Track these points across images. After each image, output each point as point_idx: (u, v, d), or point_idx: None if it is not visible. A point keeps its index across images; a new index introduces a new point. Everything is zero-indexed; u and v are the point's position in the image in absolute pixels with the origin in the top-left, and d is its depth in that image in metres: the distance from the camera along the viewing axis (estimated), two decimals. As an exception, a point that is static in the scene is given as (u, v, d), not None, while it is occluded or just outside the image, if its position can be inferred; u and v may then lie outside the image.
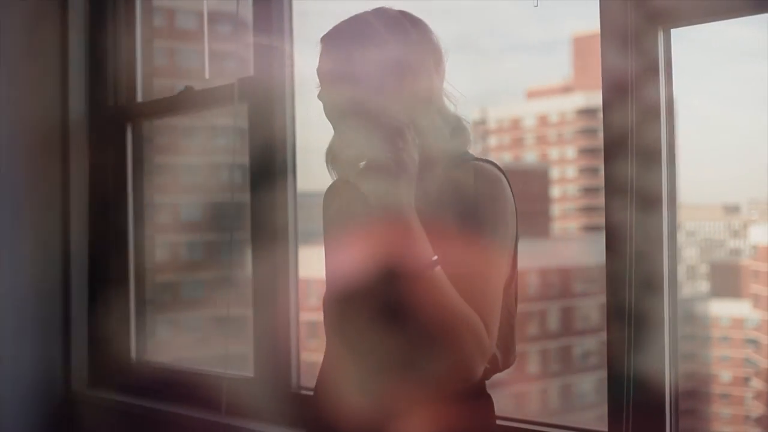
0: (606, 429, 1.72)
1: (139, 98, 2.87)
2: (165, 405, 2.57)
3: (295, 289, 2.35)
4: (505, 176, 1.47)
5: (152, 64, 2.96)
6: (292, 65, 2.37)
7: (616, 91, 1.68)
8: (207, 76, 2.60)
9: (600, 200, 1.72)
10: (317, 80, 1.50)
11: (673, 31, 1.66)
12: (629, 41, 1.65)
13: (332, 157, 1.50)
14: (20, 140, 2.82)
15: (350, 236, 1.48)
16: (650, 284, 1.64)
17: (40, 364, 2.83)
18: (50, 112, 2.88)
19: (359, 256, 1.43)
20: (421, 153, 1.39)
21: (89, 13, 2.91)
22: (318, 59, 1.49)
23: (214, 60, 2.65)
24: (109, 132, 2.88)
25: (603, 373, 1.74)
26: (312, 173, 2.46)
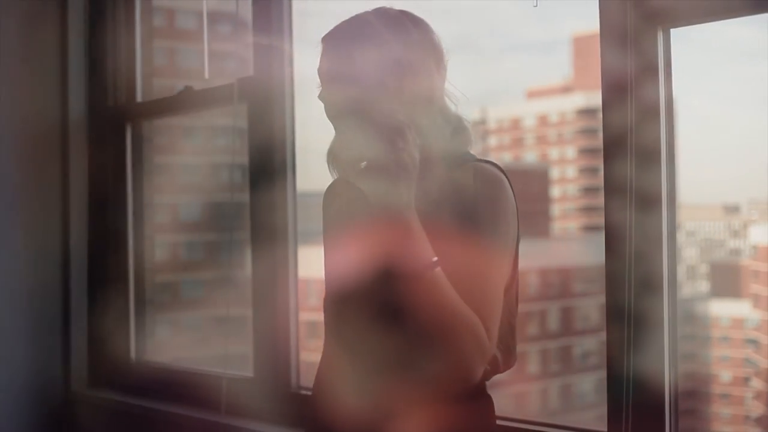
0: (605, 429, 1.72)
1: (139, 98, 2.86)
2: (164, 405, 2.57)
3: (294, 288, 2.35)
4: (507, 177, 1.47)
5: (152, 64, 2.96)
6: (291, 65, 2.37)
7: (615, 91, 1.67)
8: (206, 76, 2.60)
9: (600, 200, 1.72)
10: (318, 80, 1.49)
11: (672, 31, 1.66)
12: (628, 41, 1.65)
13: (333, 158, 1.50)
14: (20, 140, 2.82)
15: (350, 236, 1.48)
16: (650, 284, 1.64)
17: (40, 364, 2.82)
18: (50, 112, 2.88)
19: (358, 256, 1.43)
20: (422, 153, 1.39)
21: (89, 13, 2.91)
22: (319, 59, 1.49)
23: (214, 60, 2.65)
24: (108, 132, 2.88)
25: (603, 373, 1.74)
26: (311, 173, 2.47)
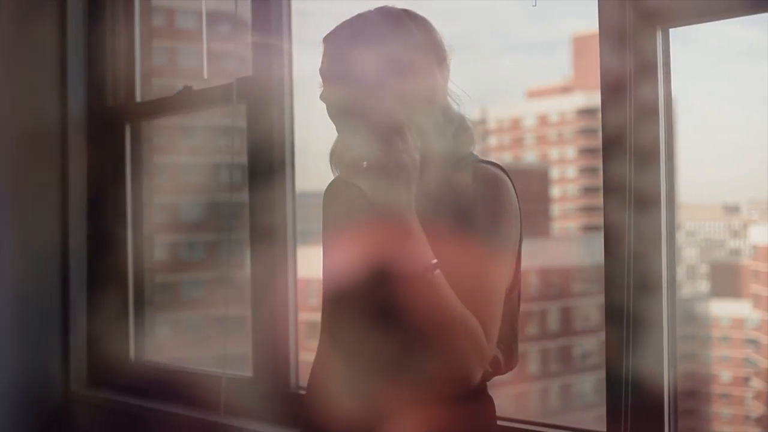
0: (604, 430, 1.71)
1: (138, 98, 2.86)
2: (164, 405, 2.57)
3: (293, 288, 2.35)
4: (510, 178, 1.46)
5: (151, 63, 2.96)
6: (290, 65, 2.36)
7: (614, 91, 1.67)
8: (205, 75, 2.60)
9: (600, 200, 1.72)
10: (320, 80, 1.49)
11: (671, 30, 1.66)
12: (627, 41, 1.65)
13: (335, 158, 1.50)
14: (18, 140, 2.82)
15: (349, 236, 1.48)
16: (649, 284, 1.64)
17: (39, 364, 2.82)
18: (49, 112, 2.88)
19: (356, 256, 1.42)
20: (423, 153, 1.38)
21: (88, 13, 2.90)
22: (320, 59, 1.48)
23: (213, 60, 2.65)
24: (107, 132, 2.88)
25: (603, 374, 1.73)
26: (310, 173, 2.46)
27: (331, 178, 1.57)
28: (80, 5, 2.90)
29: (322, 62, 1.48)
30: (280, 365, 2.34)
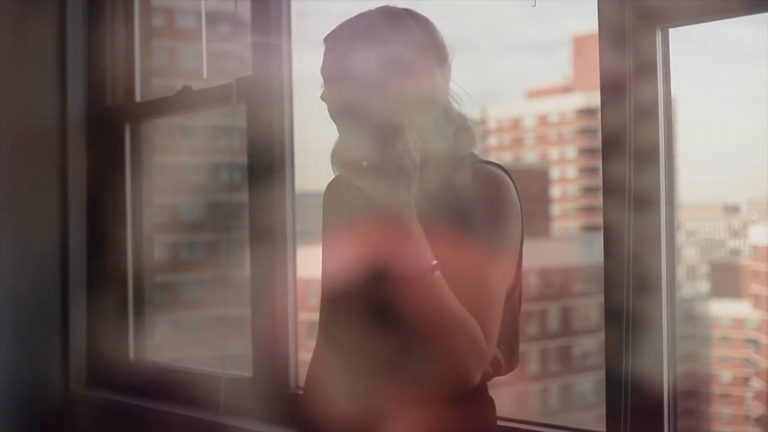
0: (604, 430, 1.71)
1: (138, 98, 2.86)
2: (163, 405, 2.57)
3: (293, 288, 2.35)
4: (511, 179, 1.45)
5: (150, 63, 2.96)
6: (290, 65, 2.36)
7: (614, 91, 1.67)
8: (205, 75, 2.60)
9: (600, 200, 1.72)
10: (321, 80, 1.48)
11: (671, 30, 1.66)
12: (627, 41, 1.64)
13: (336, 158, 1.50)
14: (18, 140, 2.82)
15: (349, 236, 1.47)
16: (648, 285, 1.64)
17: (38, 364, 2.82)
18: (48, 112, 2.88)
19: (355, 256, 1.42)
20: (424, 154, 1.37)
21: (87, 13, 2.91)
22: (321, 59, 1.48)
23: (213, 60, 2.65)
24: (107, 132, 2.88)
25: (603, 374, 1.73)
26: (310, 173, 2.46)
27: (331, 178, 1.56)
28: (80, 5, 2.90)
29: (323, 62, 1.47)
30: (280, 365, 2.34)
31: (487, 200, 1.41)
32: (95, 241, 2.88)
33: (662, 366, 1.64)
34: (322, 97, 1.47)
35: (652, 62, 1.63)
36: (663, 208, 1.64)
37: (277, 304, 2.34)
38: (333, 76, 1.45)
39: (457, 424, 1.40)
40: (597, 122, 1.71)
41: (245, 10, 2.44)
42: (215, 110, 2.70)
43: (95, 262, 2.88)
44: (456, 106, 1.48)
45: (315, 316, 1.56)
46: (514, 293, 1.47)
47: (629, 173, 1.64)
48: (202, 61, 2.60)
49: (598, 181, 1.70)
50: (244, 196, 2.43)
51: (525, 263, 1.50)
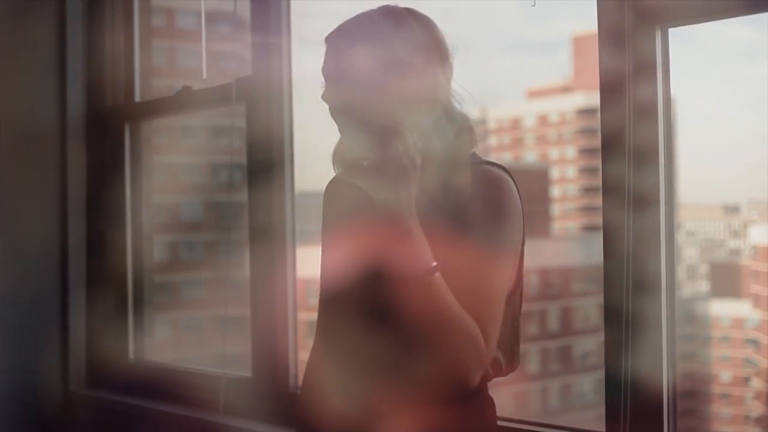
0: (603, 430, 1.71)
1: (137, 98, 2.86)
2: (163, 405, 2.57)
3: (293, 288, 2.34)
4: (513, 180, 1.45)
5: (150, 63, 2.96)
6: (289, 65, 2.36)
7: (613, 91, 1.67)
8: (205, 75, 2.60)
9: (600, 200, 1.72)
10: (322, 80, 1.47)
11: (671, 30, 1.65)
12: (626, 41, 1.64)
13: (338, 158, 1.49)
14: (17, 140, 2.82)
15: (348, 235, 1.47)
16: (647, 285, 1.64)
17: (38, 364, 2.82)
18: (48, 112, 2.88)
19: (355, 256, 1.42)
20: (425, 154, 1.37)
21: (87, 13, 2.90)
22: (323, 59, 1.47)
23: (212, 60, 2.65)
24: (106, 132, 2.88)
25: (602, 374, 1.73)
26: (309, 173, 2.46)
27: (332, 177, 1.56)
28: (79, 5, 2.90)
29: (324, 62, 1.47)
30: (279, 365, 2.34)
31: (488, 201, 1.40)
32: (95, 240, 2.88)
33: (662, 366, 1.64)
34: (323, 97, 1.46)
35: (652, 62, 1.63)
36: (662, 208, 1.64)
37: (276, 304, 2.34)
38: (334, 75, 1.45)
39: (457, 424, 1.40)
40: (597, 122, 1.71)
41: (245, 10, 2.44)
42: (215, 110, 2.70)
43: (95, 261, 2.88)
44: (457, 106, 1.47)
45: (315, 316, 1.56)
46: (515, 294, 1.46)
47: (629, 173, 1.64)
48: (201, 61, 2.60)
49: (598, 181, 1.70)
50: (243, 196, 2.43)
51: (525, 263, 1.50)
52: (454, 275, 1.33)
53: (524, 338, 1.52)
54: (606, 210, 1.69)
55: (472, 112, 1.49)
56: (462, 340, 1.33)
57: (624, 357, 1.64)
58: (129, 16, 2.87)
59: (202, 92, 2.61)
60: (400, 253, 1.32)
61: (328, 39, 1.47)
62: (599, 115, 1.72)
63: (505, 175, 1.44)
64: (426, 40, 1.44)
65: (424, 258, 1.32)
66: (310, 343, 1.56)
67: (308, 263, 2.11)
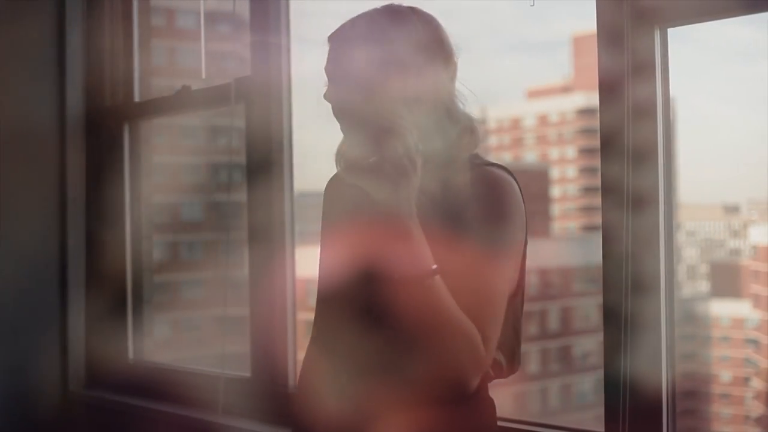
0: (602, 431, 1.71)
1: (136, 98, 2.86)
2: (162, 405, 2.57)
3: (292, 288, 2.34)
4: (516, 182, 1.44)
5: (149, 63, 2.96)
6: (289, 65, 2.36)
7: (612, 91, 1.67)
8: (204, 75, 2.59)
9: (600, 200, 1.72)
10: (324, 79, 1.46)
11: (670, 30, 1.65)
12: (625, 40, 1.64)
13: (341, 157, 1.49)
14: (16, 140, 2.81)
15: (348, 235, 1.46)
16: (646, 285, 1.64)
17: (37, 364, 2.82)
18: (47, 112, 2.87)
19: (354, 256, 1.41)
20: (427, 155, 1.35)
21: (86, 12, 2.90)
22: (325, 58, 1.46)
23: (212, 60, 2.64)
24: (106, 131, 2.88)
25: (602, 374, 1.73)
26: (309, 173, 2.46)
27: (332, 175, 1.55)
28: (79, 4, 2.89)
29: (327, 61, 1.46)
30: (279, 365, 2.34)
31: (490, 202, 1.39)
32: (94, 240, 2.88)
33: (661, 366, 1.64)
34: (326, 96, 1.45)
35: (651, 62, 1.63)
36: (661, 208, 1.63)
37: (275, 304, 2.33)
38: (336, 75, 1.44)
39: (457, 425, 1.39)
40: (597, 122, 1.71)
41: (244, 10, 2.44)
42: (214, 110, 2.69)
43: (94, 261, 2.88)
44: (461, 106, 1.46)
45: (313, 316, 1.56)
46: (517, 296, 1.46)
47: (628, 173, 1.64)
48: (200, 61, 2.60)
49: (598, 181, 1.69)
50: (242, 196, 2.43)
51: (526, 263, 1.50)
52: (455, 276, 1.32)
53: (524, 338, 1.51)
54: (605, 210, 1.69)
55: (474, 112, 1.48)
56: (460, 344, 1.32)
57: (623, 357, 1.64)
58: (128, 15, 2.86)
59: (201, 92, 2.61)
60: (400, 255, 1.31)
61: (331, 38, 1.46)
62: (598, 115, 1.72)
63: (508, 177, 1.43)
64: (429, 39, 1.43)
65: (424, 260, 1.31)
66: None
67: (307, 263, 2.11)
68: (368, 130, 1.34)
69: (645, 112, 1.63)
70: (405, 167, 1.30)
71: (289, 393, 2.31)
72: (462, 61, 1.48)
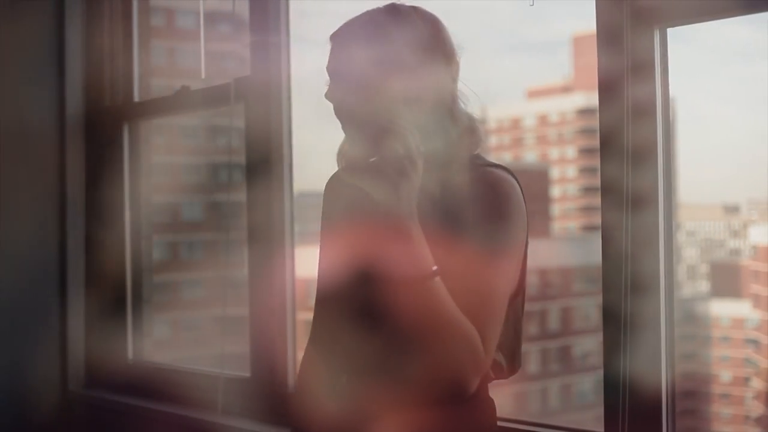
0: (602, 431, 1.71)
1: (136, 98, 2.86)
2: (161, 405, 2.57)
3: (291, 288, 2.34)
4: (518, 182, 1.43)
5: (149, 63, 2.96)
6: (288, 65, 2.36)
7: (611, 91, 1.67)
8: (203, 75, 2.59)
9: (600, 200, 1.72)
10: (326, 78, 1.46)
11: (670, 30, 1.65)
12: (625, 40, 1.64)
13: (343, 157, 1.48)
14: (16, 140, 2.81)
15: (347, 234, 1.46)
16: (646, 285, 1.63)
17: (37, 364, 2.82)
18: (47, 112, 2.87)
19: (353, 257, 1.41)
20: (428, 155, 1.35)
21: (85, 12, 2.90)
22: (327, 57, 1.46)
23: (211, 60, 2.64)
24: (105, 131, 2.87)
25: (602, 374, 1.73)
26: (308, 173, 2.46)
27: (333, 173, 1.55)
28: (78, 4, 2.89)
29: (329, 60, 1.45)
30: (278, 365, 2.33)
31: (491, 203, 1.38)
32: (93, 240, 2.88)
33: (660, 366, 1.64)
34: (327, 96, 1.44)
35: (650, 62, 1.63)
36: (661, 208, 1.63)
37: (275, 304, 2.33)
38: (338, 74, 1.43)
39: (457, 425, 1.39)
40: (597, 122, 1.71)
41: (244, 10, 2.44)
42: (213, 110, 2.69)
43: (93, 261, 2.88)
44: (462, 106, 1.45)
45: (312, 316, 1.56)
46: (518, 298, 1.45)
47: (627, 173, 1.63)
48: (200, 61, 2.59)
49: (598, 181, 1.69)
50: (242, 196, 2.42)
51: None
52: (455, 277, 1.32)
53: (524, 338, 1.51)
54: (604, 210, 1.68)
55: (476, 112, 1.48)
56: (459, 346, 1.31)
57: (623, 357, 1.63)
58: (128, 15, 2.86)
59: (200, 92, 2.60)
60: (400, 256, 1.30)
61: (333, 37, 1.46)
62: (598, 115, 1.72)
63: (510, 178, 1.42)
64: (431, 39, 1.42)
65: (424, 262, 1.30)
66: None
67: (307, 263, 2.11)
68: (369, 129, 1.33)
69: (644, 111, 1.63)
70: (405, 167, 1.30)
71: (288, 393, 2.31)
72: (462, 61, 1.48)
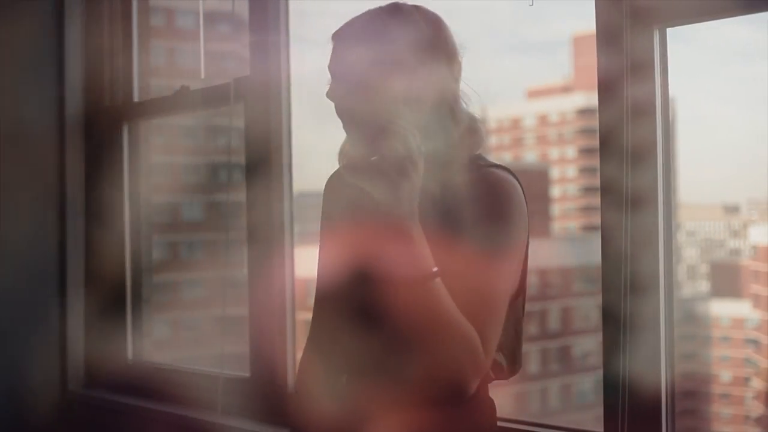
0: (601, 431, 1.71)
1: (136, 98, 2.86)
2: (161, 405, 2.57)
3: (291, 288, 2.34)
4: (519, 183, 1.43)
5: (149, 63, 2.96)
6: (288, 65, 2.36)
7: (611, 91, 1.67)
8: (203, 75, 2.59)
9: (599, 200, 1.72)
10: (328, 77, 1.45)
11: (669, 30, 1.65)
12: (624, 40, 1.64)
13: (344, 156, 1.48)
14: (15, 140, 2.81)
15: (347, 234, 1.45)
16: (645, 285, 1.63)
17: (36, 364, 2.82)
18: (46, 112, 2.87)
19: (353, 256, 1.41)
20: (429, 155, 1.34)
21: (85, 12, 2.90)
22: (329, 56, 1.45)
23: (211, 60, 2.64)
24: (105, 132, 2.87)
25: (601, 374, 1.73)
26: (308, 173, 2.46)
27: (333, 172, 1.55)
28: (78, 4, 2.89)
29: (331, 59, 1.45)
30: (278, 365, 2.33)
31: (492, 204, 1.38)
32: (93, 240, 2.88)
33: (660, 366, 1.64)
34: (328, 95, 1.44)
35: (650, 62, 1.63)
36: (660, 208, 1.63)
37: (274, 304, 2.33)
38: (339, 73, 1.43)
39: (457, 425, 1.39)
40: (597, 122, 1.71)
41: (243, 10, 2.44)
42: (213, 110, 2.69)
43: (93, 261, 2.88)
44: (464, 106, 1.45)
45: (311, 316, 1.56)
46: (518, 299, 1.45)
47: (627, 173, 1.63)
48: (200, 61, 2.59)
49: (598, 181, 1.69)
50: (242, 196, 2.42)
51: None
52: (456, 278, 1.32)
53: (524, 338, 1.51)
54: (604, 210, 1.68)
55: (477, 112, 1.48)
56: (459, 346, 1.30)
57: (622, 357, 1.63)
58: (127, 15, 2.86)
59: (200, 92, 2.60)
60: (400, 256, 1.30)
61: (335, 36, 1.45)
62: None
63: (511, 179, 1.42)
64: (433, 38, 1.42)
65: (424, 262, 1.30)
66: (307, 343, 1.56)
67: (307, 263, 2.11)
68: (370, 129, 1.33)
69: (644, 111, 1.63)
70: (406, 167, 1.29)
71: (288, 393, 2.31)
72: (463, 61, 1.48)
